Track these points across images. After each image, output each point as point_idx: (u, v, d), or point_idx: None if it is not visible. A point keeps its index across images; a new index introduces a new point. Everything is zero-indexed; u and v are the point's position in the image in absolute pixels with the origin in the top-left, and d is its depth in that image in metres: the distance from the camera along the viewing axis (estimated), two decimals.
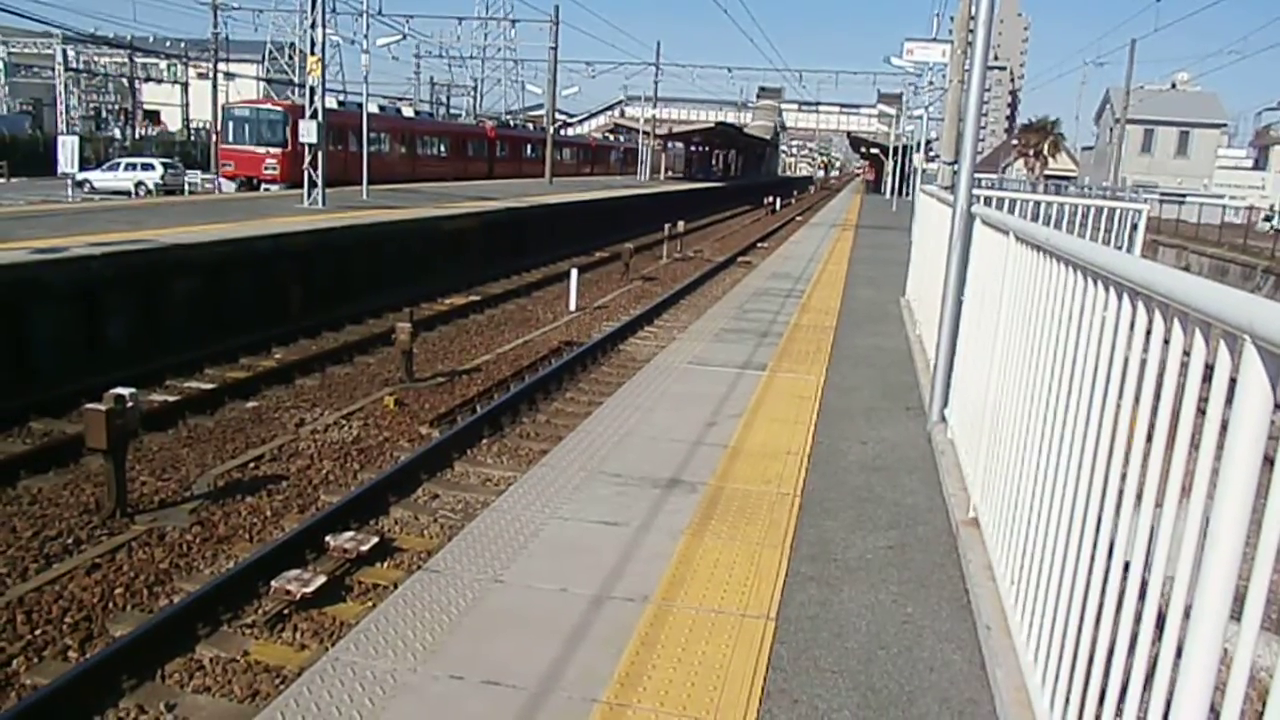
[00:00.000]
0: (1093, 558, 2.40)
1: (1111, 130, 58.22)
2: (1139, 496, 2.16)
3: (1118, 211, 9.33)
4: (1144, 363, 2.22)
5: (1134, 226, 8.91)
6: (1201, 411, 1.86)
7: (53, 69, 53.69)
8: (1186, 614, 1.74)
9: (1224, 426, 1.68)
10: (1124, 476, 2.26)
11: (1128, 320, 2.37)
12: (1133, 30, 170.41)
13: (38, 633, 5.48)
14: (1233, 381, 1.69)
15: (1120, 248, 8.91)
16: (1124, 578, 2.18)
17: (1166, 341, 2.11)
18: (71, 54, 54.29)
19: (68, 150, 32.17)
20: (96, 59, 60.45)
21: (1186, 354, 1.97)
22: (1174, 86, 68.54)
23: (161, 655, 5.21)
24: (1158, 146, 66.52)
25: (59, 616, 5.66)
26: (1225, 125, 70.18)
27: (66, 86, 52.60)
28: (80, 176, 34.34)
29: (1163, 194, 47.41)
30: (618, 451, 5.68)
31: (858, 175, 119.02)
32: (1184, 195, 49.37)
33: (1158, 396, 2.09)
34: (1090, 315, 2.71)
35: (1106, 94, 68.35)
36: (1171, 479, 1.97)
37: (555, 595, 3.81)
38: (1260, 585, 1.51)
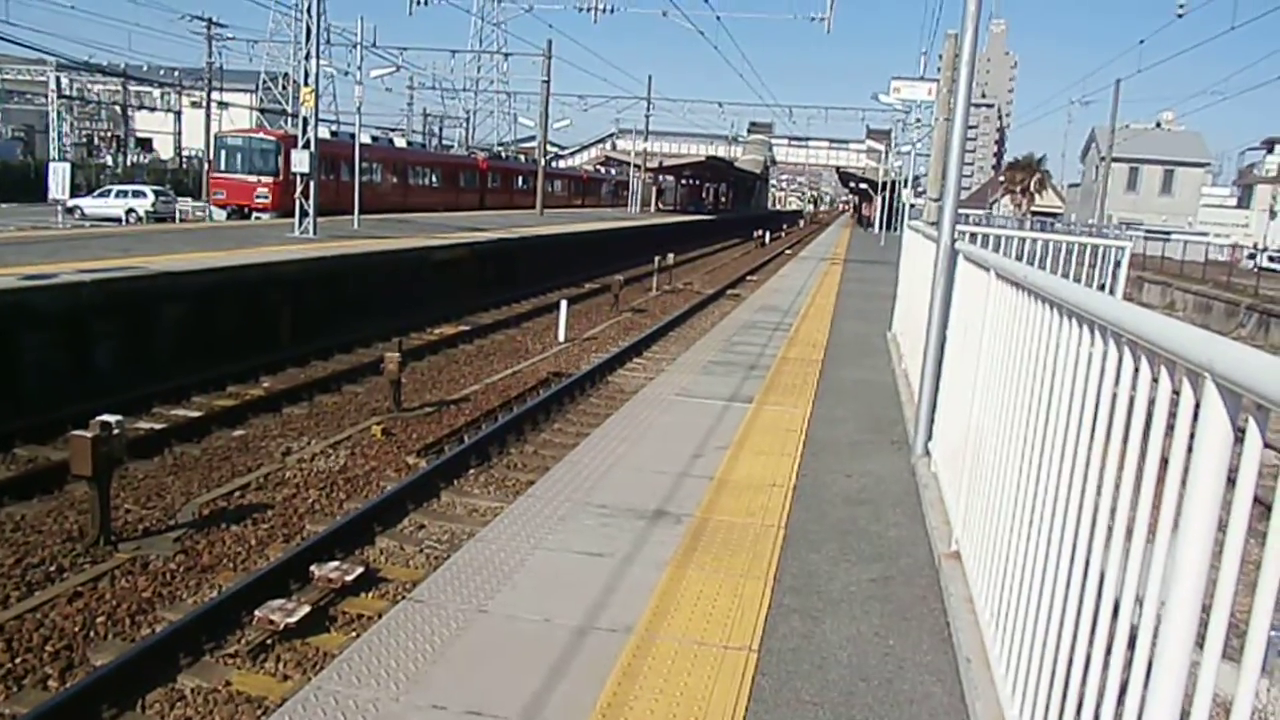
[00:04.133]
0: (1067, 590, 2.44)
1: (1097, 168, 58.88)
2: (1109, 530, 2.20)
3: (1101, 249, 9.44)
4: (1115, 398, 2.27)
5: (1117, 264, 9.01)
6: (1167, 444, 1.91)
7: (46, 96, 53.82)
8: (1155, 644, 1.77)
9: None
10: (1096, 509, 2.31)
11: (1100, 356, 2.43)
12: (1118, 70, 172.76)
13: (18, 661, 5.44)
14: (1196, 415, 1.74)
15: (1104, 285, 9.01)
16: (1096, 609, 2.21)
17: (1135, 375, 2.16)
18: (65, 81, 54.40)
19: (59, 177, 32.14)
20: (90, 86, 60.66)
21: (1156, 382, 2.02)
22: (1159, 125, 69.50)
23: (143, 685, 5.17)
24: (1143, 184, 67.35)
25: (40, 645, 5.62)
26: (1209, 164, 71.20)
27: (59, 113, 52.68)
28: (71, 203, 34.33)
29: (1148, 231, 47.95)
30: (604, 483, 5.70)
31: (846, 210, 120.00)
32: (1169, 233, 49.93)
33: (1128, 431, 2.14)
34: (1066, 351, 2.77)
35: (1092, 132, 69.24)
36: (1140, 512, 2.01)
37: (539, 626, 3.82)
38: (1221, 614, 1.55)
